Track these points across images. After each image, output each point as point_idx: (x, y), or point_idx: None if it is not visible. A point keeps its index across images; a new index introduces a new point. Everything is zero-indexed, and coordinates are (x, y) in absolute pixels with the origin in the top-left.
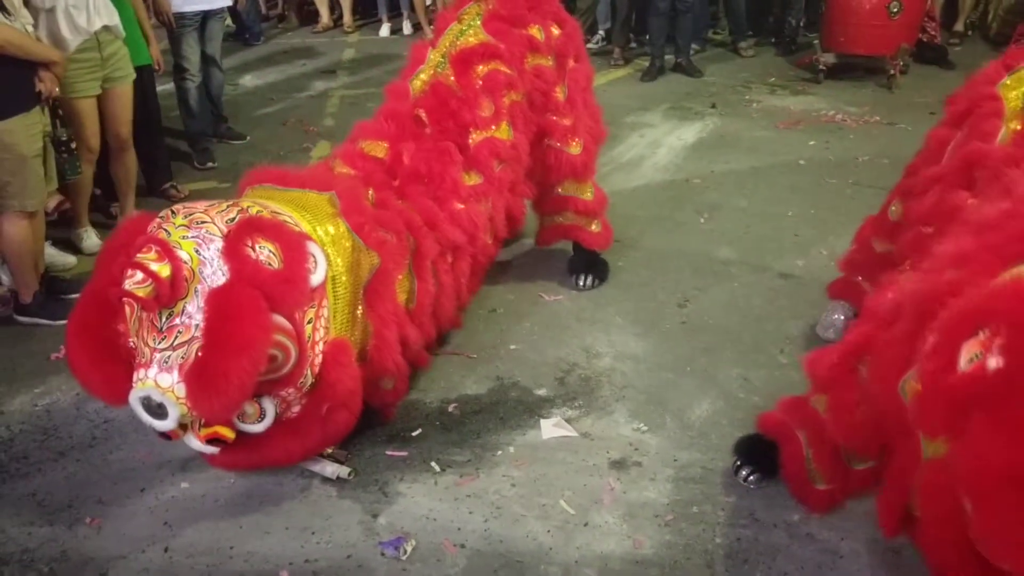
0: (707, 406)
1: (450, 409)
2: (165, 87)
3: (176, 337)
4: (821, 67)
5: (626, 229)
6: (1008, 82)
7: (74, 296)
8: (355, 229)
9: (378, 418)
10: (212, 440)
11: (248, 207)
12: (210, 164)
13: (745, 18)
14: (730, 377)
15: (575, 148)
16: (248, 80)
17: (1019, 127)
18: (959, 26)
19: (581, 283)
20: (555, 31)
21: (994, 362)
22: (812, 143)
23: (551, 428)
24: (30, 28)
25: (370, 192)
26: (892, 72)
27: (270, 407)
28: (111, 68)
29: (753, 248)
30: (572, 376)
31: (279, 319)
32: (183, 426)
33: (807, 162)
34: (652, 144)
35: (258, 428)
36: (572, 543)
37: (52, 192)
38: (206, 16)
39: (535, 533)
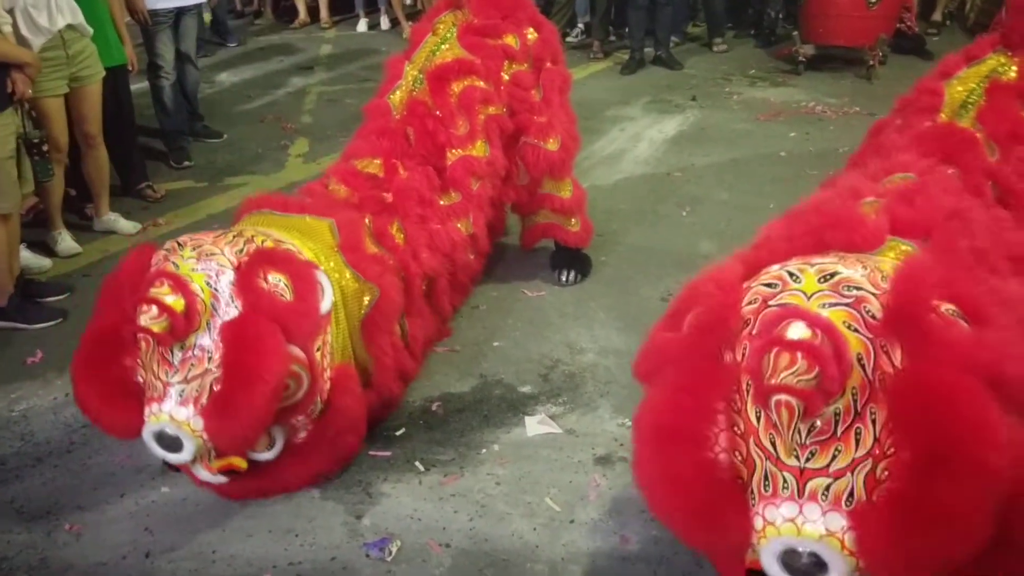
0: None
1: (434, 408)
2: (140, 86)
3: (190, 370)
4: (800, 58)
5: (608, 223)
6: (955, 81)
7: (50, 299)
8: (353, 265)
9: None
10: (225, 471)
11: (254, 237)
12: (186, 163)
13: (722, 14)
14: None
15: (552, 144)
16: (224, 77)
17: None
18: (937, 16)
19: (563, 279)
20: (531, 36)
21: (685, 327)
22: (792, 135)
23: (535, 425)
24: (7, 29)
25: (367, 220)
26: (871, 63)
27: (279, 435)
28: (78, 67)
29: (735, 241)
30: (556, 372)
31: (294, 349)
32: (197, 457)
33: (788, 154)
34: (633, 137)
35: (268, 456)
36: (558, 540)
37: (27, 195)
38: (180, 13)
39: (521, 531)
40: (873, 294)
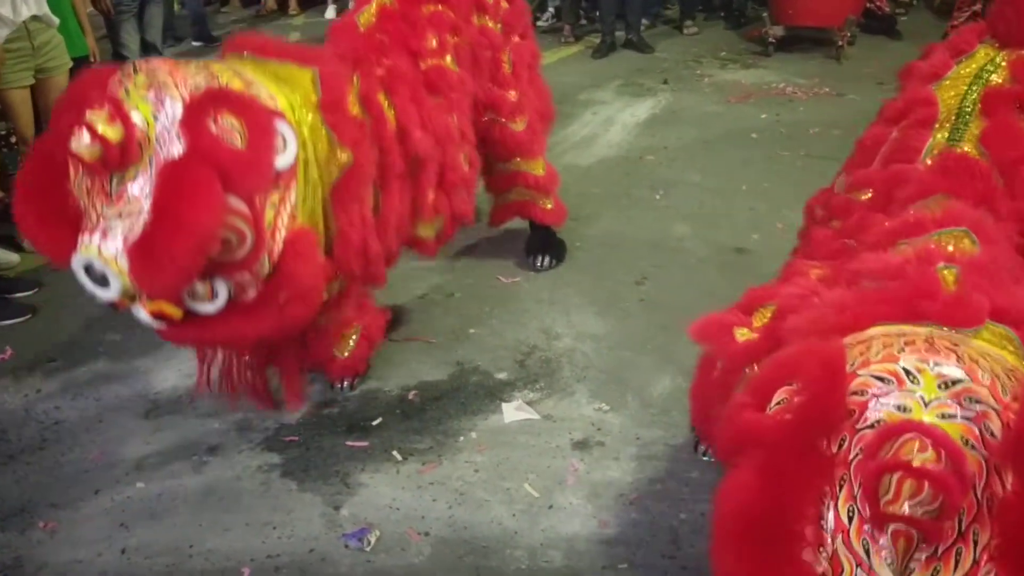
0: (667, 383)
1: (410, 396)
2: None
3: (126, 206)
4: (770, 40)
5: (582, 207)
6: (947, 82)
7: (18, 295)
8: (331, 126)
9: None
10: (157, 316)
11: (219, 74)
12: None
13: None
14: (689, 353)
15: (519, 125)
16: None
17: (946, 136)
18: None
19: (538, 263)
20: (504, 3)
21: (787, 415)
22: (763, 116)
23: (513, 411)
24: None
25: (355, 79)
26: (840, 43)
27: (223, 289)
28: (44, 58)
29: (708, 223)
30: (532, 358)
31: (235, 202)
32: (131, 296)
33: (759, 135)
34: (605, 121)
35: (209, 308)
36: (537, 526)
37: None
38: (144, 1)
39: (500, 517)
40: (995, 409)
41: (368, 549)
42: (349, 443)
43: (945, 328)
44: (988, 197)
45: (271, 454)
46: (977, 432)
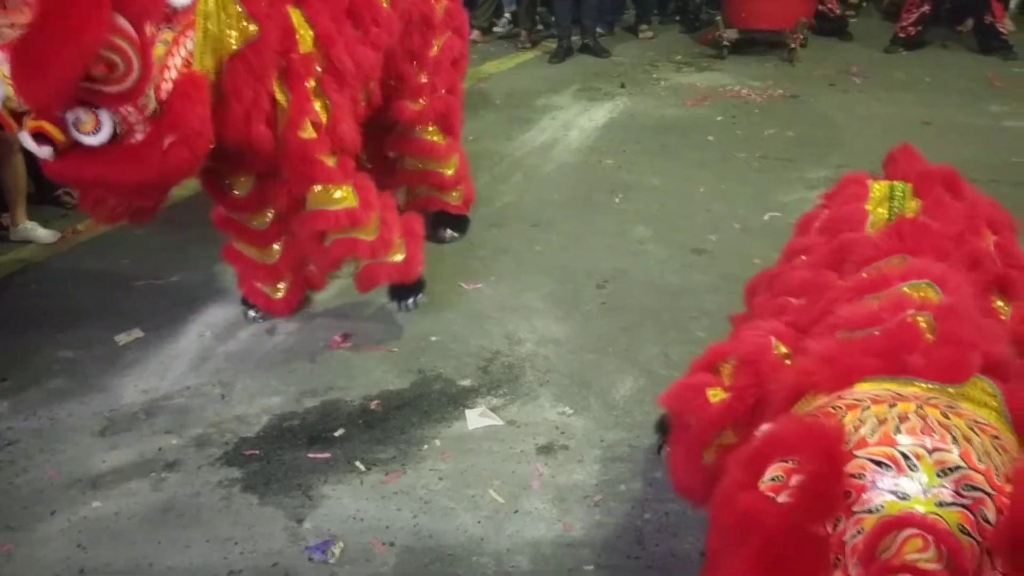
0: (630, 385)
1: (372, 406)
2: None
3: (19, 16)
4: (725, 43)
5: (542, 212)
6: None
7: None
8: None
9: None
10: (38, 136)
11: None
12: None
13: (651, 1)
14: (651, 355)
15: (414, 106)
16: None
17: (885, 213)
18: None
19: (447, 237)
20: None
21: (783, 497)
22: (719, 119)
23: (476, 418)
24: None
25: None
26: (793, 45)
27: (107, 121)
28: None
29: (667, 225)
30: (495, 364)
31: (121, 21)
32: (18, 117)
33: (715, 138)
34: (564, 126)
35: (93, 140)
36: (503, 532)
37: None
38: None
39: (465, 525)
40: (990, 495)
41: (332, 561)
42: (311, 455)
43: (933, 385)
44: (947, 259)
45: (231, 469)
46: (973, 520)
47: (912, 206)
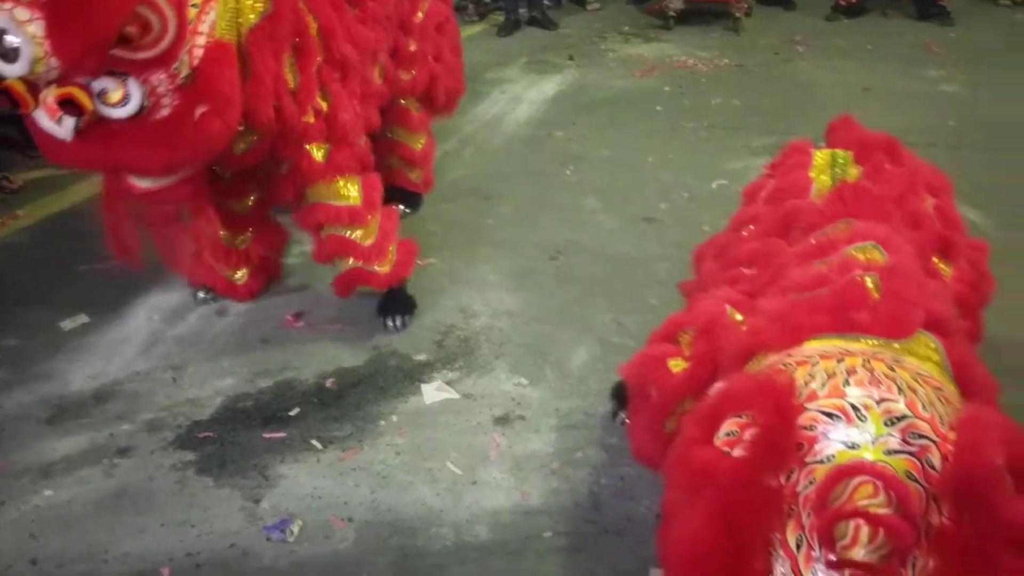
0: (584, 354)
1: (327, 384)
2: None
3: None
4: (671, 14)
5: (493, 186)
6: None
7: None
8: None
9: None
10: (66, 103)
11: None
12: None
13: None
14: (604, 323)
15: (405, 75)
16: None
17: (828, 180)
18: None
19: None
20: None
21: (737, 452)
22: (667, 89)
23: (433, 392)
24: None
25: None
26: (738, 15)
27: (136, 91)
28: None
29: (617, 196)
30: (450, 338)
31: None
32: (33, 91)
33: (663, 108)
34: (513, 99)
35: (120, 113)
36: (462, 503)
37: None
38: None
39: (424, 497)
40: (935, 442)
41: (291, 540)
42: (266, 435)
43: (879, 341)
44: (888, 220)
45: (185, 452)
46: (920, 466)
47: (853, 172)
